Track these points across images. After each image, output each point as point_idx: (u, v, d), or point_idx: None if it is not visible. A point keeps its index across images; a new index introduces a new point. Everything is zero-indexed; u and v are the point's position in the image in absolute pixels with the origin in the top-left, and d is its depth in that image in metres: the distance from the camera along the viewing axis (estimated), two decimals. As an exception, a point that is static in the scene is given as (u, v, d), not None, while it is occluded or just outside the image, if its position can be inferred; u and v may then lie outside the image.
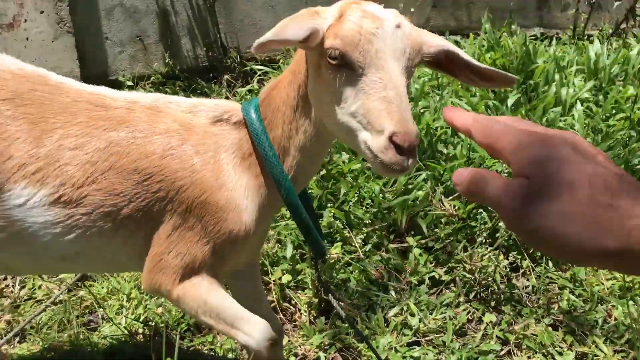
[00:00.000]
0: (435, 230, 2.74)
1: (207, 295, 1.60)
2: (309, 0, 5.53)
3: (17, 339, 2.29)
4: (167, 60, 5.00)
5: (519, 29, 5.33)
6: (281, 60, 5.01)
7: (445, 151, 3.17)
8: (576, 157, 0.79)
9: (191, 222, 1.57)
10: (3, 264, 1.67)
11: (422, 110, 3.37)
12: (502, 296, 2.48)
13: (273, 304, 2.42)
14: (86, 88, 1.66)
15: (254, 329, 1.60)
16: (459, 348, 2.20)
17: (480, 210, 2.74)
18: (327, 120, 1.48)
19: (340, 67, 1.36)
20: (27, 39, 4.55)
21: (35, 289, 2.59)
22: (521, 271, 2.61)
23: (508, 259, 2.61)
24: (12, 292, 2.59)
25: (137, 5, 4.95)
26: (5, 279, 2.64)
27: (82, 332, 2.27)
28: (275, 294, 2.44)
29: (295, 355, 2.20)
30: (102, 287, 2.50)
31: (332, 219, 2.75)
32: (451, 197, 2.83)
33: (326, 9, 1.44)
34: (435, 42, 1.46)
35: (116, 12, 4.90)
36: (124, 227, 1.58)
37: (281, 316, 2.39)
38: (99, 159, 1.55)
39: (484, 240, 2.65)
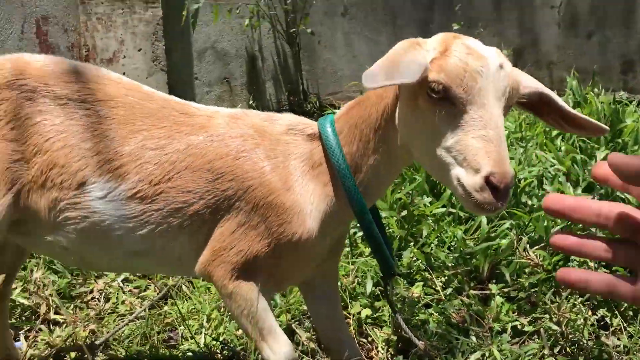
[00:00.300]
0: (519, 279, 2.66)
1: (257, 301, 1.66)
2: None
3: (101, 348, 2.34)
4: (250, 102, 5.19)
5: (603, 91, 5.26)
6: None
7: (529, 202, 3.11)
8: None
9: (255, 221, 1.63)
10: (80, 256, 1.77)
11: (506, 160, 3.34)
12: (591, 353, 2.36)
13: (350, 339, 2.39)
14: (174, 98, 1.80)
15: (280, 349, 1.66)
16: (544, 401, 2.10)
17: (571, 259, 2.65)
18: (418, 151, 1.50)
19: (441, 101, 1.37)
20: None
21: (118, 304, 2.67)
22: (611, 329, 2.49)
23: (596, 315, 2.50)
24: (97, 304, 2.67)
25: (228, 49, 5.20)
26: (91, 291, 2.74)
27: (162, 347, 2.31)
28: (353, 329, 2.41)
29: (372, 391, 2.16)
30: (183, 307, 2.54)
31: (413, 260, 2.73)
32: (537, 247, 2.76)
33: (427, 41, 1.46)
34: (530, 84, 1.47)
35: (207, 54, 5.15)
36: (191, 224, 1.67)
37: (358, 351, 2.36)
38: (177, 159, 1.66)
39: (570, 294, 2.55)
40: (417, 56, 1.39)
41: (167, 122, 1.70)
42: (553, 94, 1.48)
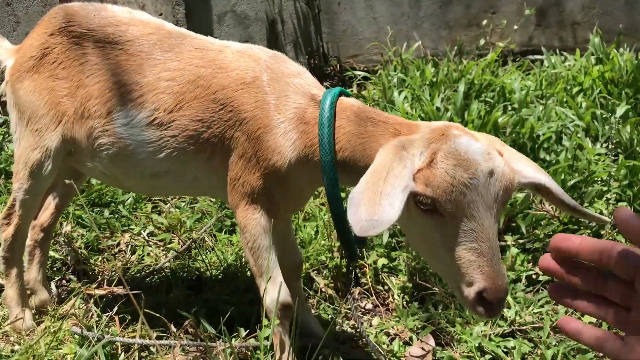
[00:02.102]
0: (535, 231, 2.69)
1: (260, 237, 1.77)
2: (411, 13, 5.62)
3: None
4: (270, 66, 5.22)
5: (629, 50, 5.17)
6: (380, 71, 5.08)
7: (547, 158, 3.12)
8: None
9: (249, 153, 1.74)
10: (116, 179, 1.99)
11: (525, 117, 3.34)
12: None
13: (367, 286, 2.47)
14: (193, 34, 1.94)
15: (273, 290, 1.75)
16: (555, 344, 2.15)
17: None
18: (414, 245, 1.57)
19: (431, 212, 1.34)
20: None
21: (144, 256, 2.77)
22: (625, 278, 2.51)
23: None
24: (124, 257, 2.78)
25: (247, 13, 5.21)
26: (118, 244, 2.85)
27: (187, 293, 2.40)
28: (370, 277, 2.48)
29: (387, 334, 2.23)
30: (206, 258, 2.63)
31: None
32: (553, 199, 2.78)
33: (413, 143, 1.40)
34: (529, 174, 1.42)
35: (227, 17, 5.17)
36: (203, 151, 1.81)
37: (374, 298, 2.43)
38: (187, 90, 1.80)
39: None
40: (400, 179, 1.31)
41: (182, 56, 1.84)
42: (552, 184, 1.42)
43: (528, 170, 1.43)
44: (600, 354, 2.14)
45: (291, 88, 1.74)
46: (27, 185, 2.00)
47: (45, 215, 2.34)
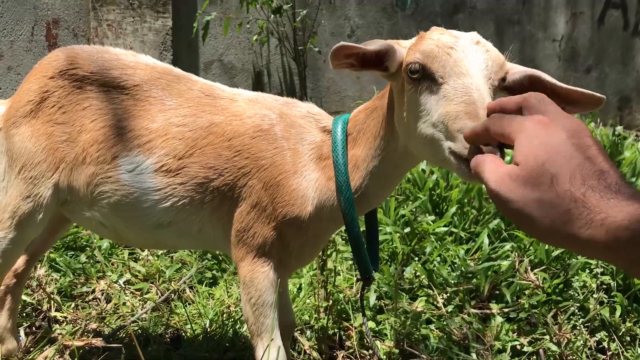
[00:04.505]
0: (519, 300, 2.69)
1: (267, 292, 1.73)
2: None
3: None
4: (254, 116, 5.23)
5: (601, 125, 5.36)
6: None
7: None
8: (567, 148, 0.90)
9: (265, 202, 1.71)
10: (114, 230, 1.89)
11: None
12: (588, 376, 2.38)
13: (351, 350, 2.40)
14: (202, 80, 1.91)
15: (272, 351, 1.69)
16: (543, 420, 2.11)
17: (571, 282, 2.68)
18: (412, 140, 1.47)
19: (421, 80, 1.37)
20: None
21: (120, 305, 2.66)
22: (609, 353, 2.51)
23: (596, 337, 2.52)
24: (98, 304, 2.67)
25: (234, 63, 5.25)
26: (93, 291, 2.73)
27: (166, 348, 2.30)
28: (355, 341, 2.42)
29: (373, 402, 2.16)
30: (185, 311, 2.54)
31: (415, 276, 2.75)
32: (537, 269, 2.79)
33: (406, 41, 1.54)
34: (518, 68, 1.45)
35: (214, 66, 5.20)
36: (212, 200, 1.76)
37: (359, 363, 2.37)
38: (200, 136, 1.76)
39: (572, 315, 2.58)
40: (387, 42, 1.46)
41: (193, 102, 1.81)
42: (541, 73, 1.42)
43: (517, 67, 1.46)
44: None
45: (305, 129, 1.76)
46: (13, 234, 1.87)
47: (20, 260, 2.22)
